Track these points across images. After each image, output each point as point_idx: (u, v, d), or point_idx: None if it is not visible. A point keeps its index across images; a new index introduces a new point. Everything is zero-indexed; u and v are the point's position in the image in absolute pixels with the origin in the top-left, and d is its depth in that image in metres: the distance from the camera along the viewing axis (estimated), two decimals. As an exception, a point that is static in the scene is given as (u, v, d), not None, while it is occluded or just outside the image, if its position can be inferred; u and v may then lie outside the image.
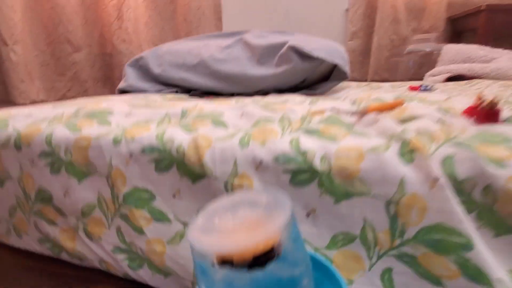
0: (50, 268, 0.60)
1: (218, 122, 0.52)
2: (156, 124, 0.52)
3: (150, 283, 0.49)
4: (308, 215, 0.40)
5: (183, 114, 0.57)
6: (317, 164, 0.38)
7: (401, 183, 0.35)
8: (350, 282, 0.39)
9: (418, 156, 0.35)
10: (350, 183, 0.37)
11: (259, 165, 0.40)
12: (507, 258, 0.33)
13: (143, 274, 0.48)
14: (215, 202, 0.27)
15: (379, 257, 0.37)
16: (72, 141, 0.50)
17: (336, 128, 0.44)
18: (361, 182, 0.36)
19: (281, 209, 0.23)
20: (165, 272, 0.46)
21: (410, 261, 0.36)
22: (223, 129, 0.50)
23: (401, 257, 0.36)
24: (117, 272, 0.52)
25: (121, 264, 0.49)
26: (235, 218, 0.24)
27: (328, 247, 0.38)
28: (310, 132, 0.43)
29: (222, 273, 0.23)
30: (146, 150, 0.46)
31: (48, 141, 0.51)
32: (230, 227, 0.22)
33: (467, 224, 0.33)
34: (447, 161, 0.35)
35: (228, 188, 0.41)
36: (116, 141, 0.47)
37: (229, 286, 0.24)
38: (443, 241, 0.34)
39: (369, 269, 0.38)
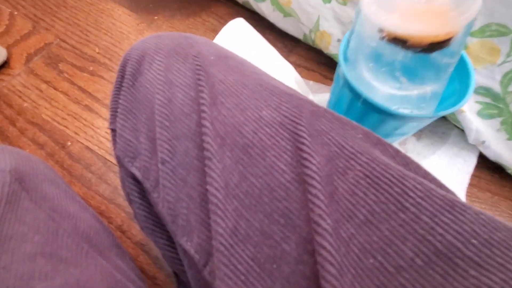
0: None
1: None
2: None
3: (268, 18, 0.52)
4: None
5: None
6: None
7: None
8: (470, 70, 0.39)
9: None
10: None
11: None
12: None
13: (264, 7, 0.50)
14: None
15: (520, 56, 0.35)
16: None
17: None
18: None
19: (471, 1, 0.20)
20: (286, 12, 0.48)
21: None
22: None
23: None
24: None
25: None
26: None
27: (473, 34, 0.36)
28: None
29: (383, 45, 0.24)
30: None
31: None
32: (413, 7, 0.21)
33: None
34: None
35: None
36: None
37: (379, 56, 0.26)
38: None
39: (499, 64, 0.37)
